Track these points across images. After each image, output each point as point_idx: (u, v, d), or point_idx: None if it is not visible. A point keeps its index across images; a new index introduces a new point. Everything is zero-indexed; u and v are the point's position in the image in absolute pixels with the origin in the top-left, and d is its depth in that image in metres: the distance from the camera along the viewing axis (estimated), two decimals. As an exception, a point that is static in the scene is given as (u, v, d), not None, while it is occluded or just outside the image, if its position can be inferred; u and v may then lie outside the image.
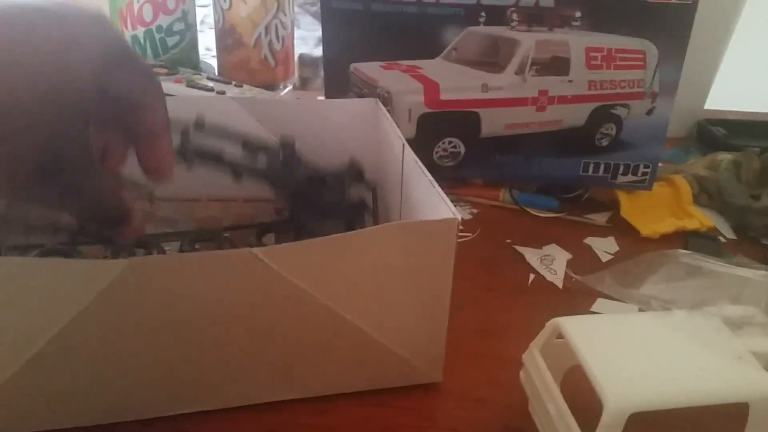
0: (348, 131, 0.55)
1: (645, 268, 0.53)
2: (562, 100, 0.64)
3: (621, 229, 0.66)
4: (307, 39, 1.04)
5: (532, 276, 0.57)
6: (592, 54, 0.62)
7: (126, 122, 0.34)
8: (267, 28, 0.83)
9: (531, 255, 0.60)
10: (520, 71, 0.63)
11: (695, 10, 0.60)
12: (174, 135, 0.36)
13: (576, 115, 0.65)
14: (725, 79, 0.89)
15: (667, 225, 0.65)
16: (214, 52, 0.89)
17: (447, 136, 0.66)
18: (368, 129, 0.55)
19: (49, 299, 0.34)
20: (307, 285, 0.37)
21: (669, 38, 0.61)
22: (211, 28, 0.90)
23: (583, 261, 0.60)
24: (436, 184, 0.41)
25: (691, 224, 0.65)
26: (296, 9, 0.96)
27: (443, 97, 0.64)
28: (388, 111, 0.53)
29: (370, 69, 0.64)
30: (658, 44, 0.62)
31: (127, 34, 0.79)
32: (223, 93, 0.70)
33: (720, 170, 0.70)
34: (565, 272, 0.58)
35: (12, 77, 0.27)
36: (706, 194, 0.70)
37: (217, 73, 0.86)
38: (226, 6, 0.82)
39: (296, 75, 0.94)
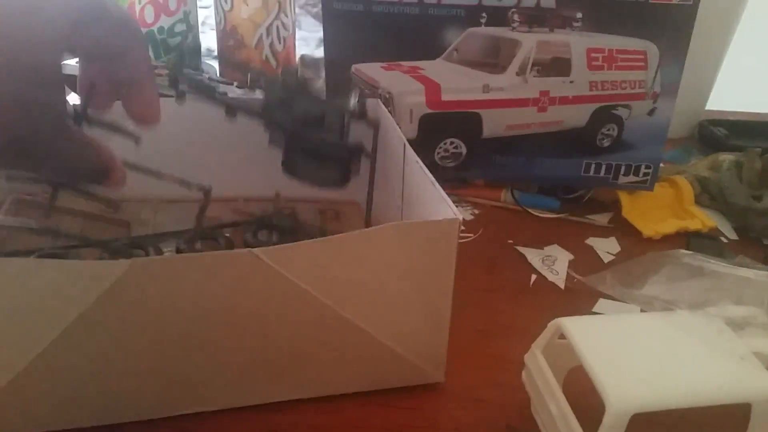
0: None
1: (647, 269, 0.53)
2: (564, 100, 0.64)
3: (623, 229, 0.66)
4: (309, 40, 1.04)
5: (533, 276, 0.57)
6: (594, 55, 0.62)
7: (108, 71, 0.34)
8: (268, 30, 0.83)
9: (533, 255, 0.60)
10: (521, 72, 0.63)
11: (696, 11, 0.60)
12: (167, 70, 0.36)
13: (577, 116, 0.65)
14: (727, 79, 0.90)
15: (669, 225, 0.65)
16: (215, 53, 0.89)
17: (448, 137, 0.66)
18: (369, 130, 0.55)
19: (52, 300, 0.34)
20: (308, 285, 0.37)
21: (670, 39, 0.61)
22: (212, 29, 0.90)
23: (585, 261, 0.60)
24: (437, 185, 0.41)
25: (692, 225, 0.65)
26: (297, 10, 0.96)
27: (444, 97, 0.64)
28: (390, 112, 0.53)
29: (372, 70, 0.64)
30: (659, 45, 0.62)
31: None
32: (225, 94, 0.70)
33: (722, 171, 0.70)
34: (567, 273, 0.58)
35: None
36: (708, 195, 0.70)
37: (218, 75, 0.86)
38: (227, 7, 0.82)
39: (298, 76, 0.94)
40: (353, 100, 0.49)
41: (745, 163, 0.70)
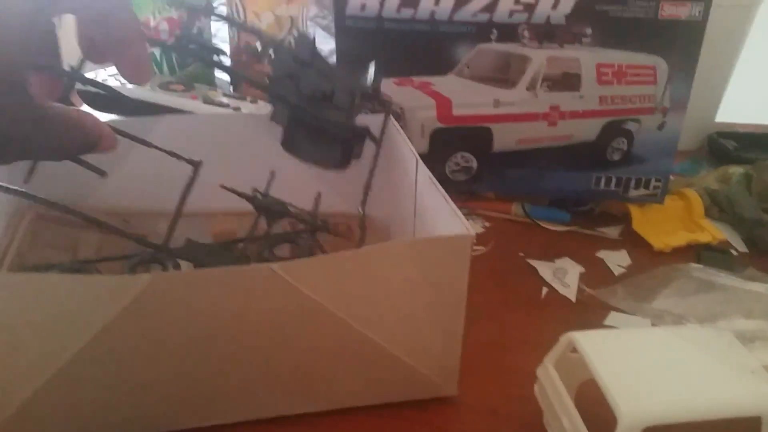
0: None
1: (657, 283, 0.53)
2: (574, 115, 0.65)
3: (633, 242, 0.66)
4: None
5: (545, 289, 0.58)
6: (603, 70, 0.63)
7: (101, 30, 0.35)
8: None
9: (544, 268, 0.61)
10: (531, 87, 0.64)
11: (705, 27, 0.60)
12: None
13: (587, 130, 0.66)
14: (736, 91, 0.90)
15: (679, 238, 0.65)
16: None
17: (459, 151, 0.67)
18: (381, 145, 0.56)
19: (74, 315, 0.35)
20: (323, 299, 0.37)
21: (679, 54, 0.62)
22: (224, 42, 0.91)
23: (596, 274, 0.60)
24: (450, 200, 0.41)
25: (702, 237, 0.66)
26: (308, 23, 0.97)
27: (456, 112, 0.65)
28: (401, 126, 0.54)
29: (384, 85, 0.64)
30: (668, 60, 0.62)
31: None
32: (238, 109, 0.72)
33: (731, 183, 0.71)
34: (578, 285, 0.58)
35: None
36: (718, 207, 0.71)
37: (232, 89, 0.88)
38: (240, 22, 0.83)
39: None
40: (369, 75, 0.47)
41: (755, 175, 0.70)
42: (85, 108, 0.70)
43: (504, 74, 0.64)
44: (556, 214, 0.69)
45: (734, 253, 0.65)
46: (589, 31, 0.61)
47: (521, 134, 0.66)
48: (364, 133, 0.47)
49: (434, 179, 0.44)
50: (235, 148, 0.53)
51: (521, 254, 0.63)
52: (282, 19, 0.83)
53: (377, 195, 0.54)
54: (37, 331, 0.35)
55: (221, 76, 0.92)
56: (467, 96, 0.64)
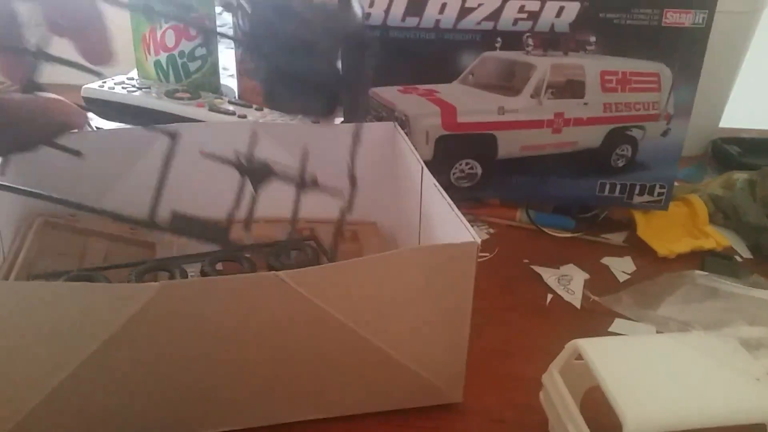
0: (366, 154, 0.56)
1: (662, 290, 0.53)
2: (578, 122, 0.65)
3: (638, 248, 0.66)
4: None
5: (550, 296, 0.58)
6: (607, 77, 0.63)
7: (56, 17, 0.35)
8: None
9: (548, 275, 0.61)
10: (536, 94, 0.64)
11: (708, 34, 0.60)
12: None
13: (592, 137, 0.66)
14: (739, 97, 0.90)
15: (684, 245, 0.66)
16: (230, 71, 0.90)
17: (464, 158, 0.67)
18: (386, 152, 0.56)
19: (81, 323, 0.35)
20: (330, 307, 0.38)
21: (683, 61, 0.62)
22: (228, 48, 0.91)
23: (601, 281, 0.60)
24: (455, 208, 0.42)
25: (707, 244, 0.66)
26: None
27: (460, 120, 0.65)
28: (406, 134, 0.54)
29: (389, 93, 0.65)
30: (672, 67, 0.63)
31: (151, 60, 0.81)
32: (244, 117, 0.72)
33: (735, 189, 0.71)
34: (583, 292, 0.58)
35: None
36: (722, 214, 0.71)
37: (237, 97, 0.88)
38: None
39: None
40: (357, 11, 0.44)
41: (759, 181, 0.70)
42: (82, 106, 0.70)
43: (508, 82, 0.64)
44: (560, 221, 0.70)
45: (739, 259, 0.65)
46: (593, 38, 0.62)
47: (526, 141, 0.66)
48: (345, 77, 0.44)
49: (439, 186, 0.44)
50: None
51: (526, 261, 0.63)
52: None
53: (382, 202, 0.54)
54: (45, 338, 0.35)
55: (227, 83, 0.93)
56: (472, 103, 0.64)
